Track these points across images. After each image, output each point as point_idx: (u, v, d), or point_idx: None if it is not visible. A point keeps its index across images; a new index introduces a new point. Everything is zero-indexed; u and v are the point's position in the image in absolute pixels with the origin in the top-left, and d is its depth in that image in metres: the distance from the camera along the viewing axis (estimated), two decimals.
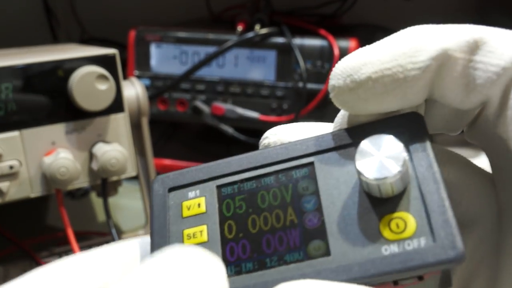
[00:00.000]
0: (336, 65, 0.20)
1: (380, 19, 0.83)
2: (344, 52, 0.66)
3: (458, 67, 0.19)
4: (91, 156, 0.50)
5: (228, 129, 0.70)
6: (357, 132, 0.21)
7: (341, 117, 0.22)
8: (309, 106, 0.67)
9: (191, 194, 0.22)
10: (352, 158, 0.20)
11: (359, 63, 0.19)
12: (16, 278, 0.20)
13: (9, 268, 0.52)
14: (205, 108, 0.71)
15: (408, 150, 0.19)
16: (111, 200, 0.55)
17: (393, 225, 0.19)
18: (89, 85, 0.47)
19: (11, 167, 0.46)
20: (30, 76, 0.47)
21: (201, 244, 0.21)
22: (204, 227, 0.21)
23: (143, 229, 0.58)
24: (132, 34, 0.73)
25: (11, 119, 0.46)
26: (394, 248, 0.18)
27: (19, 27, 0.89)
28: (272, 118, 0.69)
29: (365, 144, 0.19)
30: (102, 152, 0.48)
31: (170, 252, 0.18)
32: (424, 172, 0.19)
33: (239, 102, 0.70)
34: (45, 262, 0.53)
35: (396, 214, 0.19)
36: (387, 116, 0.21)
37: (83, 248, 0.54)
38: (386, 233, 0.19)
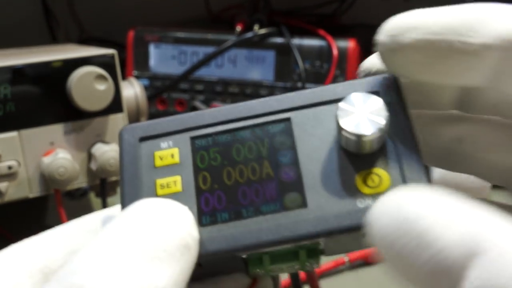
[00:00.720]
0: (392, 19, 0.19)
1: (379, 19, 0.83)
2: (343, 52, 0.66)
3: None
4: (90, 156, 0.50)
5: None
6: (335, 90, 0.21)
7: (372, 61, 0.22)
8: None
9: (163, 144, 0.22)
10: (329, 114, 0.21)
11: (407, 25, 0.19)
12: None
13: None
14: (204, 108, 0.71)
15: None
16: (110, 200, 0.55)
17: (368, 180, 0.20)
18: (87, 85, 0.47)
19: (9, 168, 0.46)
20: (28, 76, 0.47)
21: (175, 194, 0.21)
22: (178, 178, 0.21)
23: None
24: (131, 34, 0.73)
25: (10, 119, 0.46)
26: (369, 202, 0.19)
27: (18, 27, 0.89)
28: None
29: (348, 101, 0.20)
30: (101, 152, 0.48)
31: (139, 205, 0.18)
32: (400, 130, 0.20)
33: (238, 102, 0.70)
34: None
35: (372, 170, 0.20)
36: (372, 76, 0.21)
37: None
38: (362, 188, 0.20)
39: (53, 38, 0.93)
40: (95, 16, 0.96)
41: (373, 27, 0.82)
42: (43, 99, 0.47)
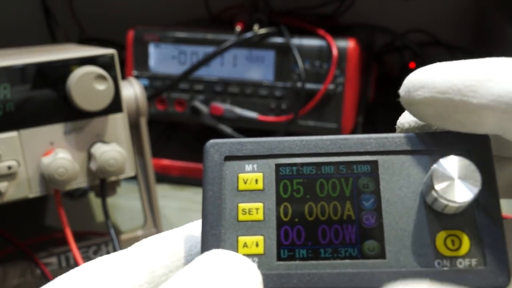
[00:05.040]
0: (409, 75, 0.21)
1: (378, 19, 0.83)
2: (342, 52, 0.66)
3: None
4: (90, 156, 0.50)
5: (227, 129, 0.70)
6: (424, 140, 0.21)
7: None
8: (308, 106, 0.67)
9: (248, 167, 0.22)
10: (417, 165, 0.21)
11: (419, 83, 0.21)
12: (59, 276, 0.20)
13: (7, 269, 0.52)
14: (203, 108, 0.71)
15: None
16: (110, 200, 0.55)
17: (448, 241, 0.20)
18: (87, 85, 0.47)
19: (9, 168, 0.46)
20: (28, 76, 0.47)
21: (257, 222, 0.21)
22: (260, 205, 0.21)
23: (142, 229, 0.58)
24: (131, 34, 0.73)
25: (9, 119, 0.46)
26: (446, 263, 0.19)
27: (18, 27, 0.89)
28: (270, 118, 0.69)
29: (444, 163, 0.20)
30: (101, 153, 0.48)
31: (212, 258, 0.19)
32: (486, 197, 0.20)
33: (238, 102, 0.70)
34: (44, 263, 0.53)
35: (453, 232, 0.20)
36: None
37: (81, 248, 0.54)
38: (441, 248, 0.20)
39: (53, 38, 0.93)
40: (95, 16, 0.96)
41: (373, 27, 0.83)
42: (43, 99, 0.47)
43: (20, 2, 0.91)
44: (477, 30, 0.91)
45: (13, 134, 0.47)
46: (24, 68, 0.46)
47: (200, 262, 0.19)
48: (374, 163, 0.21)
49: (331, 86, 0.67)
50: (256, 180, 0.22)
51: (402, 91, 0.21)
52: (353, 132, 0.72)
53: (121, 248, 0.51)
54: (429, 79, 0.20)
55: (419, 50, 0.79)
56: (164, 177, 0.73)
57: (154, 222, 0.58)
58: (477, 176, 0.19)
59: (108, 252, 0.56)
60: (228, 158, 0.22)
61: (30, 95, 0.47)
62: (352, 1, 0.83)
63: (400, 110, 0.23)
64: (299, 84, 0.68)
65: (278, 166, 0.22)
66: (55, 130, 0.48)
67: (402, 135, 0.22)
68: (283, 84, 0.69)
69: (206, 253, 0.19)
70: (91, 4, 0.98)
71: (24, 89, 0.47)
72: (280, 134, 0.68)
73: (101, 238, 0.56)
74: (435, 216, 0.20)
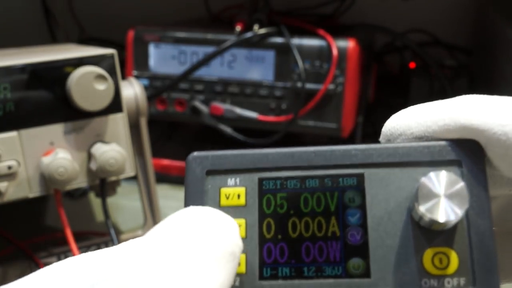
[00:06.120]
0: (386, 122, 0.22)
1: (378, 19, 0.83)
2: (342, 52, 0.66)
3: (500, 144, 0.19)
4: (90, 156, 0.50)
5: (227, 129, 0.70)
6: (413, 151, 0.20)
7: None
8: (308, 106, 0.67)
9: (230, 181, 0.21)
10: (404, 178, 0.20)
11: (397, 131, 0.22)
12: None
13: (7, 269, 0.52)
14: (203, 108, 0.71)
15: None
16: (110, 200, 0.55)
17: (436, 259, 0.19)
18: (87, 85, 0.47)
19: (9, 167, 0.46)
20: (28, 76, 0.47)
21: None
22: (242, 222, 0.21)
23: (142, 230, 0.58)
24: (131, 34, 0.73)
25: (9, 119, 0.46)
26: (433, 283, 0.19)
27: (17, 27, 0.89)
28: (270, 118, 0.69)
29: (431, 179, 0.19)
30: (101, 152, 0.48)
31: (191, 213, 0.19)
32: (477, 212, 0.19)
33: (238, 102, 0.70)
34: (44, 263, 0.53)
35: (441, 249, 0.19)
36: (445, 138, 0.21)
37: (81, 248, 0.53)
38: (428, 266, 0.19)
39: (53, 38, 0.93)
40: (95, 16, 0.96)
41: (373, 27, 0.83)
42: (43, 99, 0.47)
43: (20, 2, 0.91)
44: (477, 30, 0.91)
45: (13, 134, 0.47)
46: (24, 68, 0.46)
47: (184, 214, 0.19)
48: (361, 176, 0.20)
49: (331, 86, 0.67)
50: (238, 195, 0.21)
51: (382, 139, 0.22)
52: (353, 132, 0.72)
53: None
54: (404, 125, 0.21)
55: (419, 50, 0.79)
56: (164, 177, 0.73)
57: (154, 222, 0.58)
58: (465, 194, 0.18)
59: None
60: (210, 172, 0.21)
61: (30, 95, 0.47)
62: (352, 1, 0.83)
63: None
64: (299, 84, 0.68)
65: (261, 180, 0.21)
66: (55, 130, 0.48)
67: (389, 145, 0.21)
68: (283, 84, 0.69)
69: (187, 210, 0.19)
70: (91, 4, 0.98)
71: (24, 89, 0.47)
72: (280, 135, 0.68)
73: (101, 238, 0.56)
74: (422, 232, 0.19)
